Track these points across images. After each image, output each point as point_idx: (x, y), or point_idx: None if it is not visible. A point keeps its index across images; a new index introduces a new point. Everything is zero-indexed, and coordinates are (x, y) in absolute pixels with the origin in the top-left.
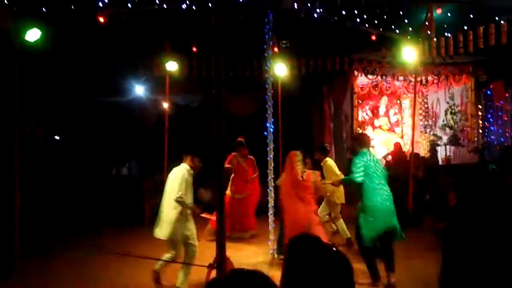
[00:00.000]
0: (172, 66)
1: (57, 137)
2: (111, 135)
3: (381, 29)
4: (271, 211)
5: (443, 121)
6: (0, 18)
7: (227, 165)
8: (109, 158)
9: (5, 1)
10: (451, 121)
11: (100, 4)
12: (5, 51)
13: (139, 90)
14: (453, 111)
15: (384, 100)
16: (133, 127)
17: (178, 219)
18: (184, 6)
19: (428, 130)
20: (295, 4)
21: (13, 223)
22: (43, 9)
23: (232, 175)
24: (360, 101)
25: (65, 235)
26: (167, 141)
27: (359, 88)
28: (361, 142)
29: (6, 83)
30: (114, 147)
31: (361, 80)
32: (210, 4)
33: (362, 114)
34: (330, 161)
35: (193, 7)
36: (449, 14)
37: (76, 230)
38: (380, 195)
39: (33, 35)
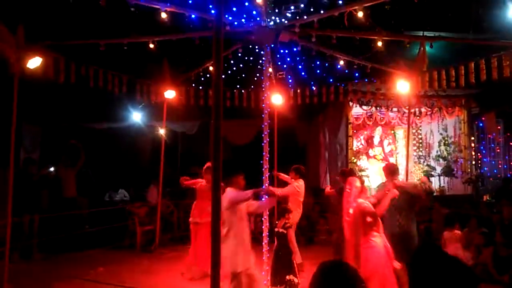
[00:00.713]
0: (170, 93)
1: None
2: (107, 161)
3: (375, 63)
4: (265, 240)
5: (437, 152)
6: (6, 46)
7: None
8: (104, 184)
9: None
10: (445, 152)
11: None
12: (4, 78)
13: (137, 116)
14: (447, 142)
15: (378, 130)
16: (130, 153)
17: (236, 248)
18: (184, 36)
19: (422, 160)
20: (292, 38)
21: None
22: (45, 37)
23: (195, 202)
24: (355, 131)
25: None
26: (162, 167)
27: (354, 118)
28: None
29: (3, 108)
30: (109, 173)
31: (356, 110)
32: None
33: (357, 143)
34: (300, 183)
35: (193, 38)
36: (441, 50)
37: (67, 256)
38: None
39: (34, 63)
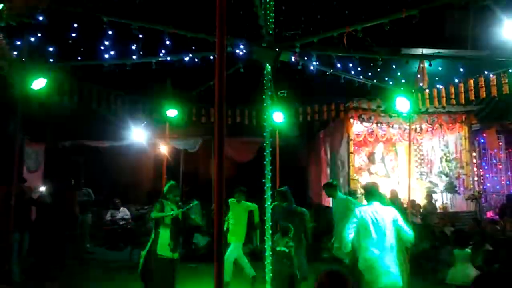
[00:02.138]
0: (172, 112)
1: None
2: (109, 180)
3: (375, 80)
4: (268, 260)
5: (439, 168)
6: (10, 66)
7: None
8: (106, 203)
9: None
10: (447, 169)
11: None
12: (9, 97)
13: (139, 134)
14: (448, 158)
15: (379, 147)
16: (132, 172)
17: None
18: (187, 58)
19: (424, 177)
20: (293, 57)
21: None
22: (50, 59)
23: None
24: (356, 148)
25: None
26: (164, 185)
27: (355, 135)
28: (368, 193)
29: (6, 126)
30: (111, 191)
31: (357, 127)
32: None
33: (359, 160)
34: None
35: (196, 59)
36: (440, 68)
37: (67, 275)
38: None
39: (38, 84)
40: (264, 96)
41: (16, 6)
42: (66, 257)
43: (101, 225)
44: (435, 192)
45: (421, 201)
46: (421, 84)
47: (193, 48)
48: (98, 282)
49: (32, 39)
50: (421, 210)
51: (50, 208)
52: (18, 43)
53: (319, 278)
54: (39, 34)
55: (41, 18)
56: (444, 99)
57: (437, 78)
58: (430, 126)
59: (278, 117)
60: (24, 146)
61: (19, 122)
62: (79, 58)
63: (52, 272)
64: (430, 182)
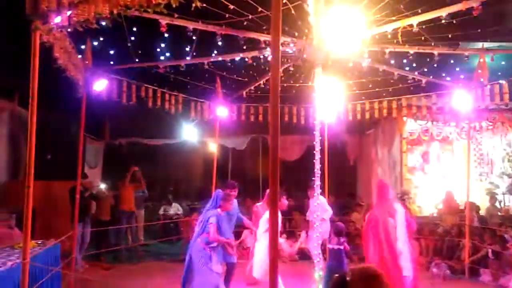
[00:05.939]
0: (222, 111)
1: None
2: (162, 176)
3: (431, 76)
4: (318, 258)
5: (501, 168)
6: (76, 70)
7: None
8: (159, 198)
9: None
10: (509, 169)
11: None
12: (74, 98)
13: (190, 133)
14: (511, 158)
15: (435, 146)
16: (183, 169)
17: None
18: (238, 58)
19: (483, 177)
20: (343, 54)
21: None
22: (111, 62)
23: None
24: (409, 146)
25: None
26: (215, 181)
27: (408, 133)
28: None
29: (71, 125)
30: (164, 187)
31: (411, 125)
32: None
33: (412, 159)
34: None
35: (246, 59)
36: (502, 62)
37: (123, 267)
38: None
39: (100, 85)
40: (314, 94)
41: (83, 12)
42: (122, 249)
43: (155, 219)
44: (496, 194)
45: (481, 203)
46: (481, 80)
47: (244, 48)
48: (151, 273)
49: (95, 43)
50: (481, 212)
51: (108, 203)
52: (83, 47)
53: (351, 275)
54: (101, 38)
55: (104, 23)
56: (506, 95)
57: (499, 73)
58: (491, 124)
59: (327, 115)
60: (86, 145)
61: (83, 122)
62: (137, 60)
63: (109, 262)
64: (491, 183)
